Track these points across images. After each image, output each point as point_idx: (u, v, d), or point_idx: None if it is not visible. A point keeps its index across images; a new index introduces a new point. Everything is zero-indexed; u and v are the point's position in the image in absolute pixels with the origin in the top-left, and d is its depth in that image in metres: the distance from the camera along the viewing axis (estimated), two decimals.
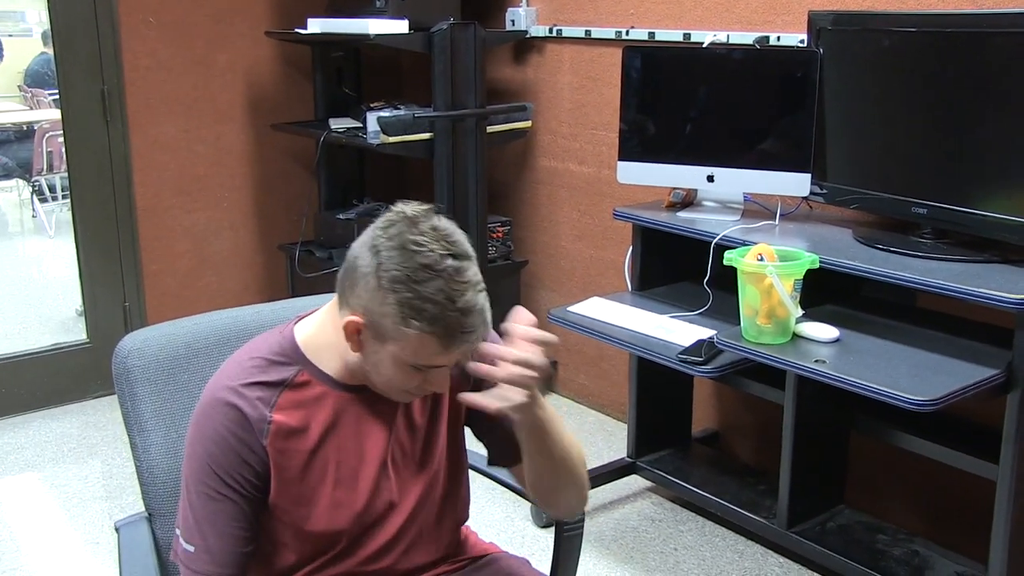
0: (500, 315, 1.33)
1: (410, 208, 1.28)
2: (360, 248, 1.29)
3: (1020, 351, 1.98)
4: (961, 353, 2.10)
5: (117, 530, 1.51)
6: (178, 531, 1.38)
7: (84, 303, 3.75)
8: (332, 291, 1.38)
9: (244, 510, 1.35)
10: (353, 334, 1.30)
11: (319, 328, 1.39)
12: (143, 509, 1.53)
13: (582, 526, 1.63)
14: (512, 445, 1.42)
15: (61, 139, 3.65)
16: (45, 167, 5.69)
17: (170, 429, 1.52)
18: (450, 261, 1.25)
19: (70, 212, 3.69)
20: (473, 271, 1.27)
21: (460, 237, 1.29)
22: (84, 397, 3.74)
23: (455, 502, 1.52)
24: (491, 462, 1.55)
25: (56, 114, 4.46)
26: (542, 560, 1.67)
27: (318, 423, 1.37)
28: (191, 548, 1.35)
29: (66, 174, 3.67)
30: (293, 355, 1.38)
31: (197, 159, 3.82)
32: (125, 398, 1.52)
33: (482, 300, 1.28)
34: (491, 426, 1.46)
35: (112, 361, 1.53)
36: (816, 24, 2.46)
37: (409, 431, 1.44)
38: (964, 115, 2.19)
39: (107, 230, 3.69)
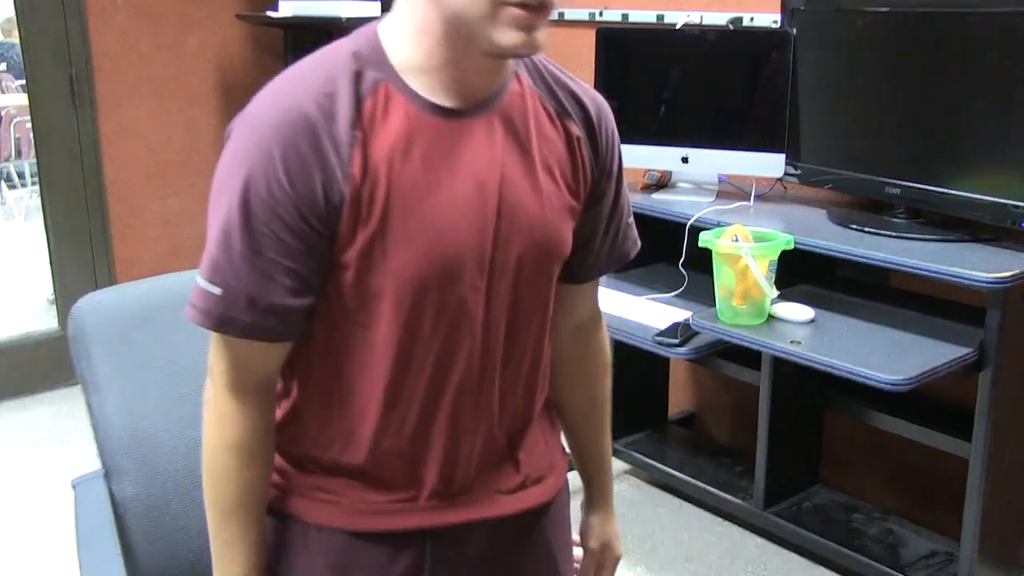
0: None
1: None
2: None
3: (992, 330, 2.00)
4: (934, 332, 2.11)
5: (74, 487, 1.47)
6: (199, 280, 1.08)
7: (55, 291, 3.70)
8: None
9: (300, 250, 1.03)
10: None
11: (400, 29, 1.06)
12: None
13: None
14: (583, 267, 1.34)
15: (29, 124, 3.60)
16: (13, 153, 5.62)
17: (124, 387, 1.48)
18: None
19: (39, 199, 3.64)
20: None
21: None
22: (56, 386, 3.70)
23: (546, 315, 1.25)
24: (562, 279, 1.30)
25: (23, 99, 4.39)
26: None
27: (405, 149, 1.05)
28: (217, 291, 1.05)
29: (35, 160, 3.62)
30: (378, 60, 1.06)
31: (168, 144, 3.78)
32: (80, 358, 1.48)
33: None
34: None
35: (67, 323, 1.49)
36: (790, 4, 2.46)
37: (529, 180, 1.15)
38: (937, 95, 2.20)
39: (78, 217, 3.65)
